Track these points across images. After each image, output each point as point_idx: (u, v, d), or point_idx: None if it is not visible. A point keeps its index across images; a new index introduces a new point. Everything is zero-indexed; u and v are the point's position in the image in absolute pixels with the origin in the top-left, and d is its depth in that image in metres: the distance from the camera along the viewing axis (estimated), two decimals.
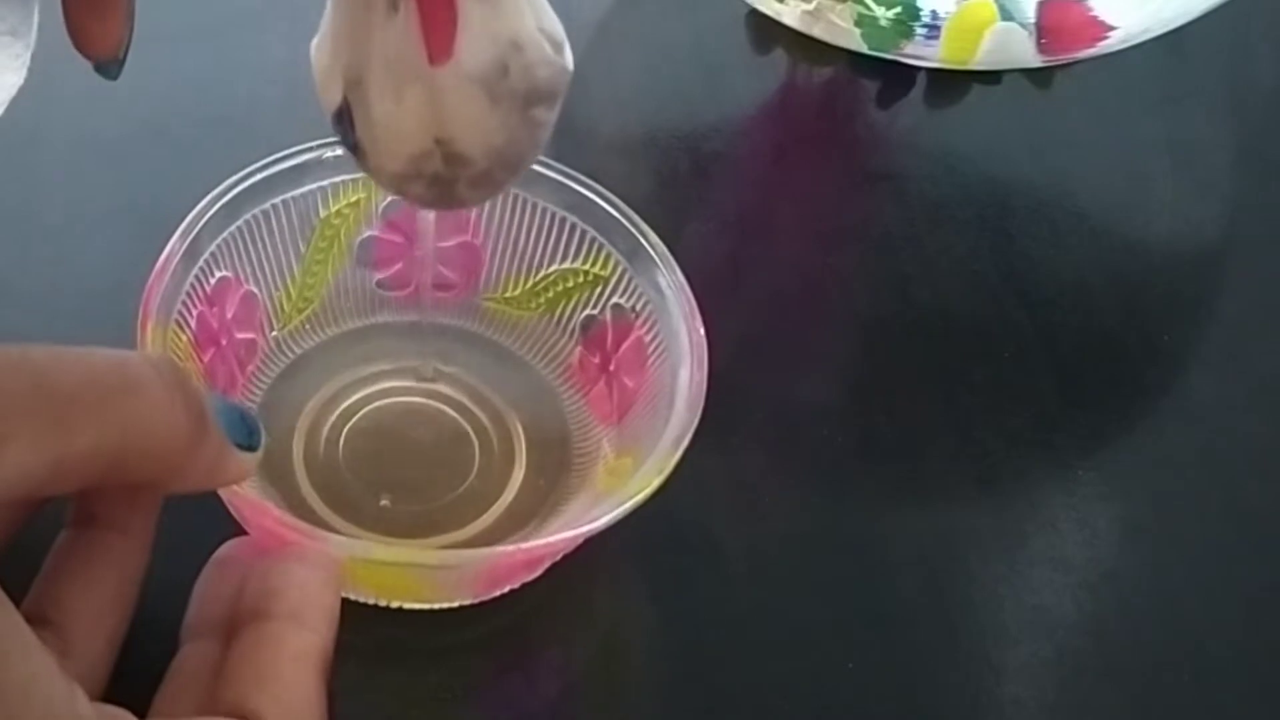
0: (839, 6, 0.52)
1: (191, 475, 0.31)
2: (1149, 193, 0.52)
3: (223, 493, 0.35)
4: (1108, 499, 0.43)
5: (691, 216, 0.49)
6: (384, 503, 0.39)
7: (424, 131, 0.31)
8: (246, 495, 0.35)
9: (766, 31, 0.54)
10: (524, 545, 0.36)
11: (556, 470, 0.40)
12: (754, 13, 0.54)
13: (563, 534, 0.35)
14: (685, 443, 0.36)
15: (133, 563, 0.33)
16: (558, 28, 0.31)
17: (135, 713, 0.37)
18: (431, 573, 0.36)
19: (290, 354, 0.42)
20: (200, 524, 0.38)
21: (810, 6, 0.52)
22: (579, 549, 0.38)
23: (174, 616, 0.38)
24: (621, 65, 0.54)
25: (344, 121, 0.32)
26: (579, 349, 0.41)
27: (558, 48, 0.31)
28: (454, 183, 0.32)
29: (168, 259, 0.37)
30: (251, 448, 0.33)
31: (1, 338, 0.28)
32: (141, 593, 0.33)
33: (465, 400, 0.42)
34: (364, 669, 0.38)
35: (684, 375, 0.37)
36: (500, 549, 0.36)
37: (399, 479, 0.40)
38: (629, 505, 0.35)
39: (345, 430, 0.41)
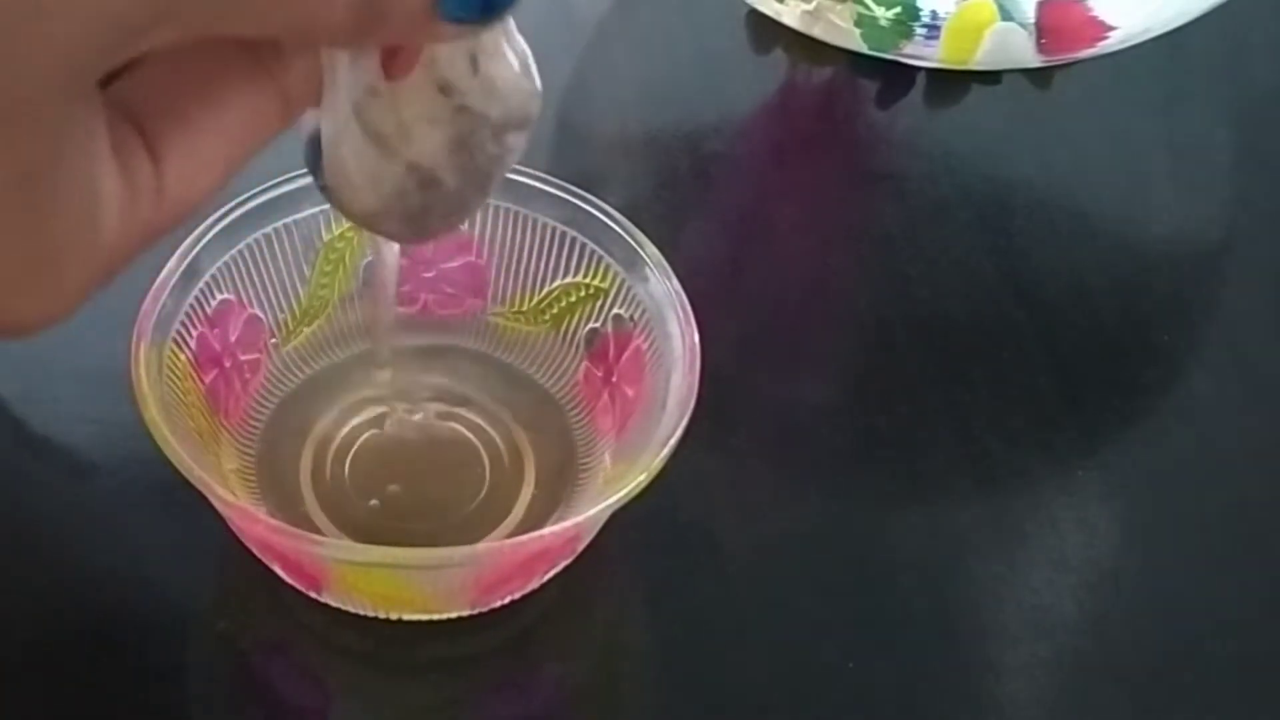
0: (839, 6, 0.52)
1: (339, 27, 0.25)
2: (1149, 193, 0.52)
3: (215, 501, 0.35)
4: (1108, 499, 0.43)
5: (691, 217, 0.49)
6: (373, 502, 0.40)
7: (397, 166, 0.30)
8: (238, 503, 0.35)
9: (766, 31, 0.54)
10: (499, 544, 0.36)
11: (562, 487, 0.40)
12: (754, 13, 0.54)
13: (541, 531, 0.35)
14: (673, 442, 0.36)
15: (270, 116, 0.28)
16: (525, 49, 0.31)
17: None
18: (421, 575, 0.36)
19: (298, 375, 0.42)
20: (187, 528, 0.38)
21: (810, 6, 0.52)
22: (579, 556, 0.38)
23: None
24: (621, 65, 0.54)
25: (315, 151, 0.31)
26: (585, 364, 0.42)
27: (525, 67, 0.31)
28: (427, 213, 0.31)
29: (163, 282, 0.38)
30: (472, 19, 0.27)
31: None
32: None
33: (475, 419, 0.42)
34: (365, 680, 0.38)
35: (675, 378, 0.37)
36: (478, 547, 0.37)
37: (406, 499, 0.40)
38: (611, 502, 0.35)
39: (353, 450, 0.41)
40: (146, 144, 0.27)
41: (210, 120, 0.27)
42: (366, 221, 0.32)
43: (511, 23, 0.30)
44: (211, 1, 0.24)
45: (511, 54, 0.30)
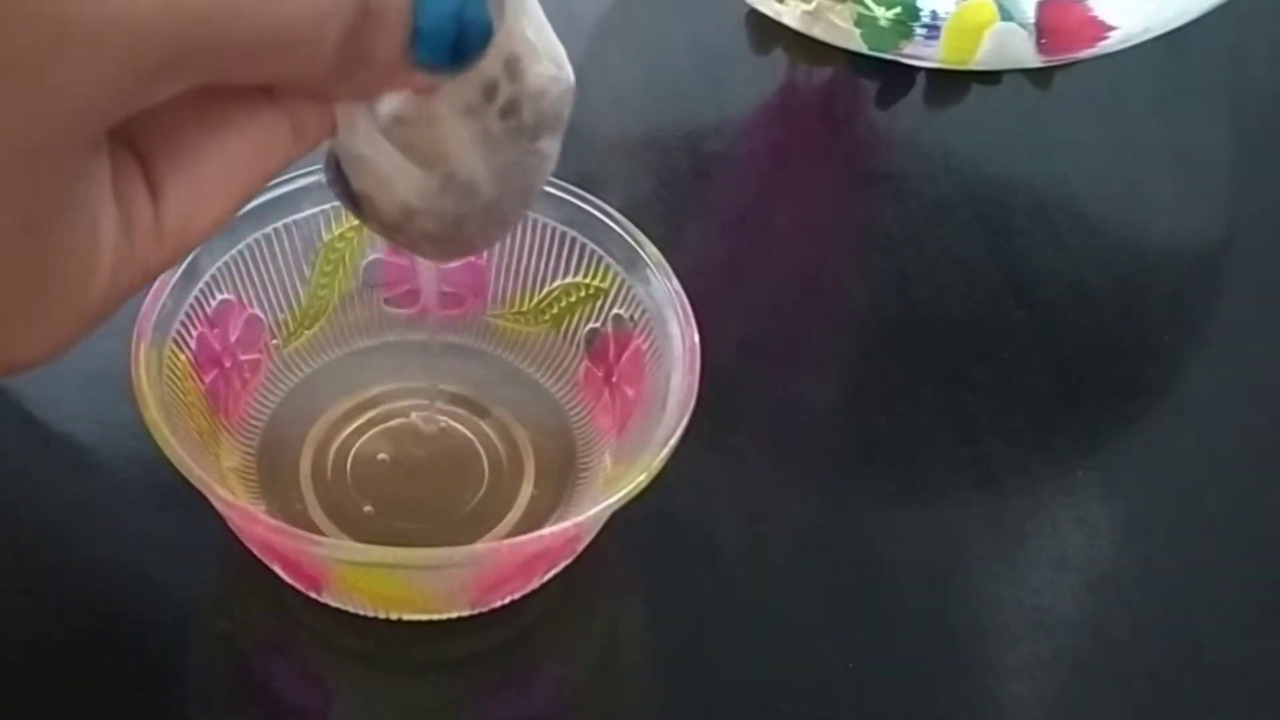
0: (839, 6, 0.52)
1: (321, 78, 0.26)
2: (1149, 193, 0.52)
3: (215, 501, 0.35)
4: (1108, 499, 0.43)
5: (691, 217, 0.49)
6: (367, 509, 0.40)
7: (432, 179, 0.30)
8: (237, 503, 0.35)
9: (766, 31, 0.54)
10: (499, 544, 0.36)
11: (562, 486, 0.40)
12: (754, 13, 0.54)
13: (541, 531, 0.35)
14: (673, 442, 0.36)
15: (277, 147, 0.28)
16: (559, 48, 0.31)
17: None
18: (420, 576, 0.36)
19: (298, 374, 0.42)
20: (187, 528, 0.38)
21: (810, 6, 0.52)
22: (579, 556, 0.38)
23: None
24: (621, 65, 0.54)
25: (339, 167, 0.31)
26: (585, 363, 0.42)
27: (559, 66, 0.31)
28: (465, 219, 0.31)
29: (163, 282, 0.38)
30: (442, 66, 0.27)
31: None
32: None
33: (474, 418, 0.42)
34: (365, 680, 0.38)
35: (675, 378, 0.37)
36: (478, 547, 0.37)
37: (406, 499, 0.40)
38: (611, 502, 0.35)
39: (354, 449, 0.41)
40: (146, 176, 0.26)
41: (212, 152, 0.27)
42: (401, 220, 0.31)
43: (543, 17, 0.30)
44: (214, 52, 0.24)
45: (544, 54, 0.30)
